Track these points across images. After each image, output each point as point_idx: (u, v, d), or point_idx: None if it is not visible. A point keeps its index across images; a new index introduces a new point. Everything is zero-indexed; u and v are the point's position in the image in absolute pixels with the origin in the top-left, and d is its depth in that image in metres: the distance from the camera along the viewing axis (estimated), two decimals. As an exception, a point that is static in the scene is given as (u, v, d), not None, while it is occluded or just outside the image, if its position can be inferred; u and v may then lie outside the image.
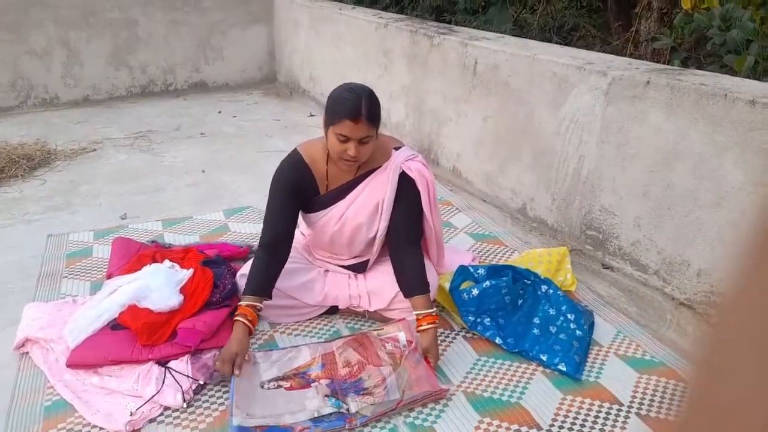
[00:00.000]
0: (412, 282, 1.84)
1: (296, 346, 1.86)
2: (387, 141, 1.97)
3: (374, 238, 1.95)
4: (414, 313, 1.81)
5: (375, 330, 1.91)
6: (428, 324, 1.77)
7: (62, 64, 4.79)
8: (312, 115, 4.63)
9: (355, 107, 1.71)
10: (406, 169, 1.88)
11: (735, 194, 1.87)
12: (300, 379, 1.73)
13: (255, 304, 1.79)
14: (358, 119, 1.71)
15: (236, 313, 1.78)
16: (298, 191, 1.90)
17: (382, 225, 1.92)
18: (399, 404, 1.60)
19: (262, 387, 1.68)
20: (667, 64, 3.52)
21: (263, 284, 1.82)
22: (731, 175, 1.87)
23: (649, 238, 2.19)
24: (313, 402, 1.64)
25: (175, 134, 4.20)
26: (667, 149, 2.06)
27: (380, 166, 1.91)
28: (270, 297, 1.84)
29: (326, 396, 1.65)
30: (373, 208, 1.91)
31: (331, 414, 1.59)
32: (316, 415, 1.59)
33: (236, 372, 1.65)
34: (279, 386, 1.69)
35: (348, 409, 1.60)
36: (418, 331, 1.78)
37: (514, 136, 2.78)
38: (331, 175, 1.93)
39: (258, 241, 2.52)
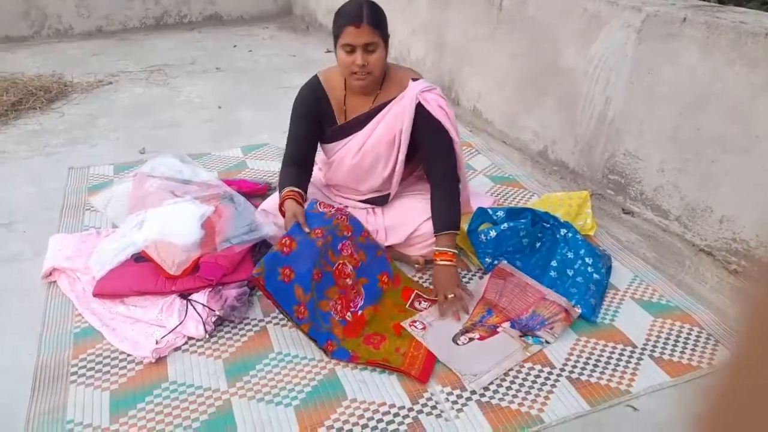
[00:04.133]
0: (439, 218, 1.87)
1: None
2: (404, 72, 1.93)
3: (393, 170, 1.94)
4: (434, 248, 1.84)
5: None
6: (442, 260, 1.80)
7: (75, -7, 4.68)
8: (329, 51, 4.51)
9: (356, 12, 1.72)
10: (422, 100, 1.84)
11: (767, 140, 1.81)
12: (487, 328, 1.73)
13: (295, 189, 1.84)
14: (359, 24, 1.71)
15: (281, 197, 1.83)
16: (314, 115, 1.92)
17: (400, 157, 1.90)
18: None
19: (456, 342, 1.67)
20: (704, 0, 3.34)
21: (296, 183, 1.87)
22: (764, 120, 1.81)
23: (672, 183, 2.15)
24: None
25: (190, 68, 4.13)
26: (700, 91, 1.99)
27: (397, 97, 1.88)
28: (305, 198, 1.87)
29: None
30: (391, 138, 1.89)
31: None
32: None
33: (306, 229, 1.73)
34: (471, 339, 1.69)
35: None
36: (433, 265, 1.83)
37: (539, 75, 2.69)
38: (348, 103, 1.91)
39: (275, 178, 2.55)
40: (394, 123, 1.87)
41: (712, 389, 0.37)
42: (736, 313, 0.36)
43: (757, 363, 0.34)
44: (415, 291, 1.89)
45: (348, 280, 1.81)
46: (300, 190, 1.86)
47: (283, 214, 1.83)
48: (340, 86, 1.90)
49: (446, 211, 1.87)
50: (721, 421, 0.36)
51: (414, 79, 1.88)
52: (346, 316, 1.74)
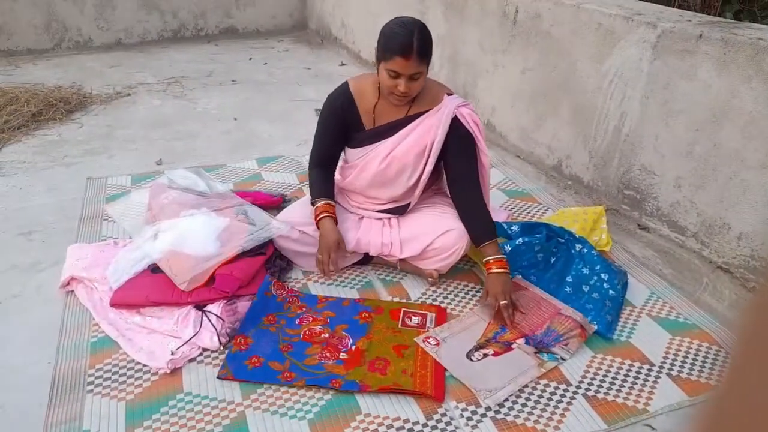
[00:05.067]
0: (480, 230, 1.88)
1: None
2: (438, 86, 1.96)
3: (417, 181, 1.95)
4: (484, 259, 1.85)
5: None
6: (498, 268, 1.80)
7: (95, 6, 4.77)
8: (343, 64, 4.55)
9: (407, 43, 1.71)
10: (459, 115, 1.86)
11: (786, 157, 1.80)
12: (501, 344, 1.72)
13: (329, 201, 1.97)
14: (409, 56, 1.71)
15: (317, 211, 1.95)
16: (340, 122, 1.96)
17: (428, 168, 1.92)
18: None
19: (470, 358, 1.67)
20: (718, 16, 3.33)
21: (327, 190, 2.00)
22: (784, 137, 1.80)
23: (689, 199, 2.13)
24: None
25: (206, 81, 4.19)
26: (716, 107, 1.98)
27: (431, 109, 1.89)
28: (334, 202, 2.00)
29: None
30: (421, 149, 1.90)
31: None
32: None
33: (341, 260, 1.97)
34: (485, 355, 1.68)
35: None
36: (487, 275, 1.82)
37: (553, 90, 2.70)
38: (378, 110, 1.93)
39: (290, 190, 2.57)
40: (426, 134, 1.89)
41: (710, 404, 0.37)
42: (738, 323, 0.35)
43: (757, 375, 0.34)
44: (402, 309, 1.86)
45: (324, 335, 1.75)
46: (333, 202, 1.98)
47: (318, 226, 1.94)
48: (372, 93, 1.92)
49: (484, 221, 1.89)
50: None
51: (448, 94, 1.91)
52: (340, 356, 1.67)
